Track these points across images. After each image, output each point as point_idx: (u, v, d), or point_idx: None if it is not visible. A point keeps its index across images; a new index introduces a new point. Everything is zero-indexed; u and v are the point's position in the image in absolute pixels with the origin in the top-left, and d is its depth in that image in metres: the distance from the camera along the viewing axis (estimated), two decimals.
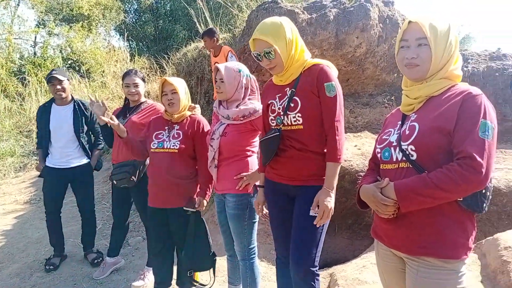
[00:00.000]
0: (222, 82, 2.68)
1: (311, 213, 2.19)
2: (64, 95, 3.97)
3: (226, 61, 5.60)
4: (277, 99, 2.29)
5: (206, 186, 2.98)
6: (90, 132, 4.20)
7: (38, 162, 4.29)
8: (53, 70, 4.05)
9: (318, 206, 2.17)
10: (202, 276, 3.24)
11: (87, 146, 4.11)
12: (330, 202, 2.16)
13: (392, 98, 6.18)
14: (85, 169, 4.08)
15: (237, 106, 2.69)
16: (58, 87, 3.91)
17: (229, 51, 5.72)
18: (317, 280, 2.27)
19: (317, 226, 2.20)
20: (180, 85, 2.95)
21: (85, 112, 4.09)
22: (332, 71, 2.22)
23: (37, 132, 4.30)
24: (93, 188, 4.28)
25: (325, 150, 2.21)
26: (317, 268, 2.27)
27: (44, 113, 4.07)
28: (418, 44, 1.59)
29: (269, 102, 2.35)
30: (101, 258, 4.17)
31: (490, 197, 1.58)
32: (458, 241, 1.54)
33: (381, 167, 1.75)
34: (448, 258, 1.53)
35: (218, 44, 5.90)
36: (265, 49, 2.17)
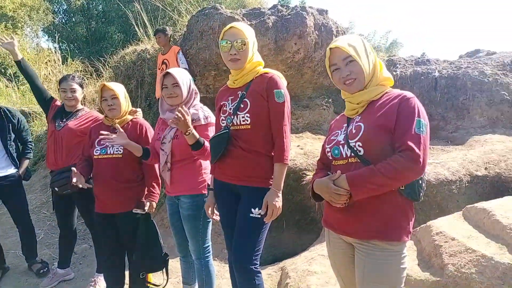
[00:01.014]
0: (176, 86, 2.73)
1: (253, 213, 2.31)
2: None
3: (176, 59, 5.75)
4: (229, 101, 2.42)
5: (154, 188, 3.02)
6: (18, 140, 4.02)
7: None
8: None
9: (267, 207, 2.29)
10: (154, 278, 3.26)
11: (14, 155, 3.93)
12: (278, 201, 2.29)
13: (330, 100, 6.51)
14: (13, 179, 3.87)
15: None
16: None
17: (179, 49, 5.97)
18: (258, 277, 2.38)
19: (266, 222, 2.34)
20: (119, 89, 2.96)
21: (12, 120, 3.92)
22: (282, 80, 2.39)
23: None
24: (25, 198, 4.06)
25: (270, 152, 2.35)
26: (257, 265, 2.38)
27: None
28: (345, 63, 1.83)
29: (221, 103, 2.48)
30: (46, 268, 4.03)
31: (425, 187, 1.85)
32: (401, 226, 1.77)
33: (332, 164, 1.95)
34: (393, 240, 1.75)
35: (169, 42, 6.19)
36: (240, 39, 2.30)
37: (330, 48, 1.85)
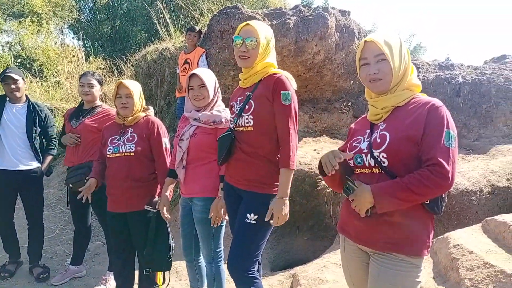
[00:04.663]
0: (203, 87, 2.71)
1: (249, 219, 2.27)
2: (18, 94, 3.80)
3: (198, 60, 5.74)
4: (238, 102, 2.40)
5: None
6: (43, 136, 4.01)
7: None
8: (7, 68, 3.87)
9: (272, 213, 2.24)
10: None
11: (38, 150, 3.92)
12: (285, 209, 2.23)
13: (349, 104, 6.41)
14: (35, 174, 3.86)
15: (210, 110, 2.75)
16: (13, 86, 3.74)
17: (203, 52, 5.97)
18: (256, 283, 2.32)
19: (263, 229, 2.30)
20: (135, 89, 2.94)
21: (40, 114, 3.91)
22: (290, 81, 2.32)
23: None
24: (42, 195, 4.02)
25: (273, 157, 2.30)
26: (253, 271, 2.32)
27: None
28: (376, 60, 1.74)
29: (231, 104, 2.47)
30: (47, 274, 3.91)
31: (446, 200, 1.76)
32: (422, 240, 1.69)
33: (355, 171, 1.87)
34: (414, 254, 1.68)
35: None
36: (253, 38, 2.27)
37: (365, 41, 1.77)
